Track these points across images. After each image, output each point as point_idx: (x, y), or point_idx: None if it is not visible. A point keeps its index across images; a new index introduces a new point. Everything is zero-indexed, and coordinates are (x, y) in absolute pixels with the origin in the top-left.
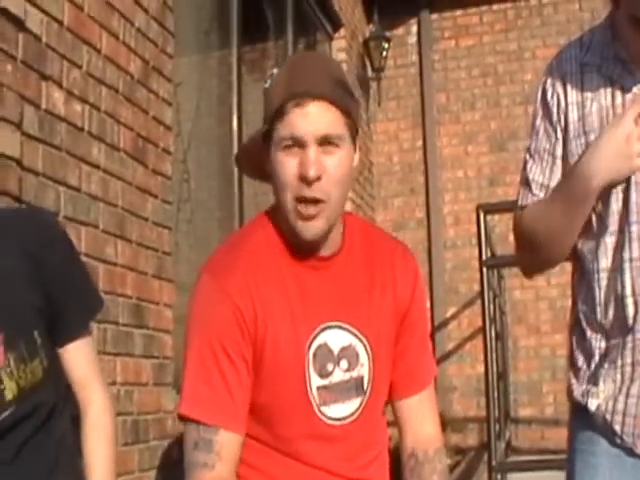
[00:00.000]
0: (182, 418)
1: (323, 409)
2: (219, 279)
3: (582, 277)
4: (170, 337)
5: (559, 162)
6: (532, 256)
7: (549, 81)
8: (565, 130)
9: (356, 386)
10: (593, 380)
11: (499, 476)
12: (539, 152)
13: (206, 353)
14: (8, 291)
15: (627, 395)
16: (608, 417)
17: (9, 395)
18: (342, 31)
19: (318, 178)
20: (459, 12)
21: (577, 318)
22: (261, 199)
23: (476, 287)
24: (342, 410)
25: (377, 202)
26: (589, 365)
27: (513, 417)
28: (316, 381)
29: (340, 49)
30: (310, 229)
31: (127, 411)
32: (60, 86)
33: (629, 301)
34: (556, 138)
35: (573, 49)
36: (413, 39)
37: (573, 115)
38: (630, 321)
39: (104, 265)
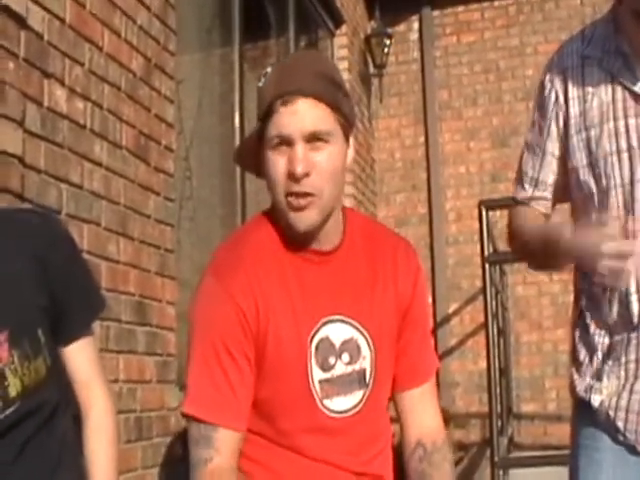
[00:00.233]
0: (185, 416)
1: (326, 402)
2: (222, 280)
3: (585, 273)
4: (173, 334)
5: (549, 158)
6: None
7: (548, 77)
8: (566, 125)
9: (358, 379)
10: (596, 376)
11: (501, 472)
12: (532, 145)
13: (209, 353)
14: (14, 290)
15: (631, 392)
16: (611, 413)
17: (13, 392)
18: (344, 28)
19: (307, 174)
20: (460, 8)
21: (580, 313)
22: (263, 196)
23: (478, 283)
24: (344, 403)
25: (379, 198)
26: (592, 360)
27: (515, 413)
28: (318, 374)
29: (342, 46)
30: (302, 219)
31: (130, 408)
32: (62, 84)
33: (634, 298)
34: (548, 134)
35: (575, 43)
36: (415, 35)
37: (574, 109)
38: (635, 318)
39: (106, 263)
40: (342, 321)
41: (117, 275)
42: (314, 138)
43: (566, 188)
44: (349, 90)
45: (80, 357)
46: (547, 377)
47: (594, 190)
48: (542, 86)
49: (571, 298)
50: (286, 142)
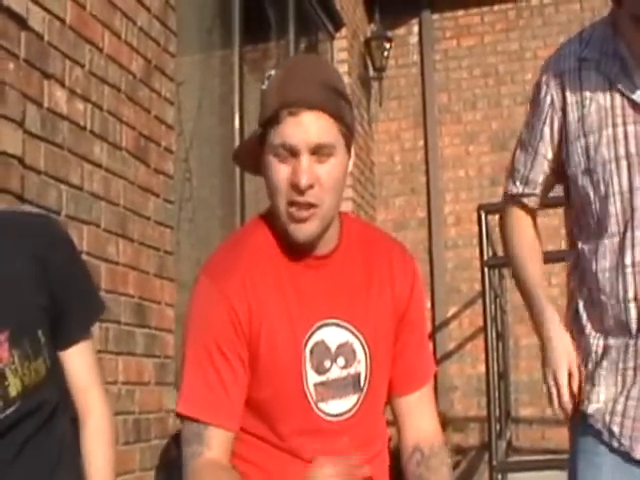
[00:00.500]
0: (179, 415)
1: (321, 405)
2: (216, 281)
3: (582, 276)
4: (172, 336)
5: (540, 159)
6: None
7: (544, 79)
8: (562, 131)
9: (353, 383)
10: (591, 380)
11: (500, 476)
12: (525, 143)
13: (202, 352)
14: (16, 291)
15: (627, 397)
16: (607, 418)
17: (13, 392)
18: (343, 31)
19: (310, 186)
20: (460, 12)
21: (575, 314)
22: (262, 198)
23: (477, 287)
24: (339, 406)
25: (378, 202)
26: (586, 364)
27: (514, 417)
28: (313, 378)
29: (341, 49)
30: (302, 231)
31: (128, 410)
32: (62, 85)
33: (631, 305)
34: (541, 137)
35: (572, 45)
36: (414, 39)
37: (573, 115)
38: (633, 325)
39: (106, 264)
40: (337, 325)
41: (116, 276)
42: (319, 150)
43: (553, 185)
44: (349, 94)
45: (79, 361)
46: None
47: (592, 197)
48: (538, 88)
49: None
50: (290, 152)
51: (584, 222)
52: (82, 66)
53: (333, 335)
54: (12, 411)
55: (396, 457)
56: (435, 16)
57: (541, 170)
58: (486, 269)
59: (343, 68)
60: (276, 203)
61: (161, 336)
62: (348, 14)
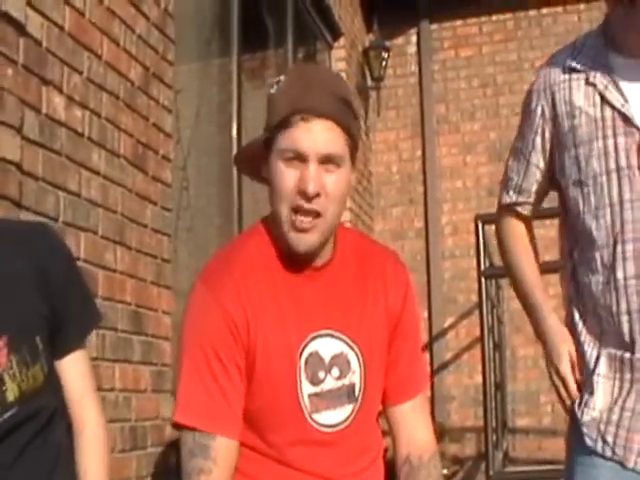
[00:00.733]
0: (177, 426)
1: (315, 416)
2: (212, 289)
3: (577, 287)
4: (169, 344)
5: (533, 169)
6: None
7: (535, 89)
8: (553, 141)
9: (347, 393)
10: (588, 389)
11: None
12: (518, 153)
13: (199, 360)
14: (16, 297)
15: (623, 408)
16: (602, 427)
17: (11, 396)
18: (342, 40)
19: (317, 195)
20: (459, 22)
21: (572, 323)
22: (260, 206)
23: (474, 297)
24: (334, 417)
25: (376, 211)
26: (582, 372)
27: (511, 427)
28: (307, 388)
29: (339, 58)
30: (304, 241)
31: (125, 417)
32: (60, 91)
33: (624, 319)
34: (533, 147)
35: (563, 55)
36: (413, 49)
37: (563, 125)
38: (627, 338)
39: (103, 271)
40: (331, 335)
41: (114, 284)
42: (327, 160)
43: (546, 194)
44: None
45: (74, 370)
46: (542, 391)
47: (582, 208)
48: (529, 97)
49: None
50: (300, 158)
51: (577, 232)
52: (80, 73)
53: (327, 346)
54: (9, 416)
55: (392, 468)
56: (433, 26)
57: (534, 179)
58: (483, 279)
59: None
60: (279, 209)
61: (158, 344)
62: (346, 24)
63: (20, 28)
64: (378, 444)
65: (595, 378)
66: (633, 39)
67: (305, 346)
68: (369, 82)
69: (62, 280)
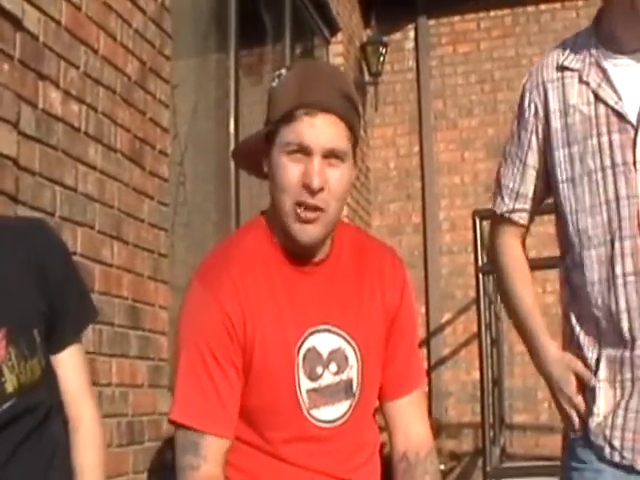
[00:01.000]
0: (173, 423)
1: (313, 412)
2: (209, 286)
3: (572, 289)
4: (165, 339)
5: (530, 171)
6: None
7: (527, 88)
8: (547, 139)
9: (345, 389)
10: (590, 394)
11: None
12: (512, 157)
13: (196, 359)
14: (14, 291)
15: (626, 409)
16: (607, 432)
17: (9, 388)
18: (339, 36)
19: (321, 189)
20: (456, 18)
21: (570, 327)
22: (257, 202)
23: (472, 293)
24: (332, 412)
25: (373, 207)
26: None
27: (508, 423)
28: (306, 384)
29: (337, 54)
30: (307, 232)
31: (122, 412)
32: (57, 86)
33: (624, 316)
34: (528, 147)
35: (555, 53)
36: (410, 44)
37: (555, 124)
38: (627, 336)
39: (100, 266)
40: (329, 331)
41: (110, 279)
42: (331, 155)
43: (543, 199)
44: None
45: (70, 365)
46: (540, 388)
47: (574, 207)
48: (522, 97)
49: None
50: (304, 151)
51: (568, 233)
52: (77, 68)
53: (325, 341)
54: (8, 407)
55: (389, 463)
56: (431, 22)
57: (531, 182)
58: (481, 275)
59: None
60: (282, 202)
61: (155, 338)
62: (344, 19)
63: (17, 23)
64: (375, 440)
65: (597, 384)
66: (627, 37)
67: (303, 342)
68: (366, 78)
69: (59, 276)
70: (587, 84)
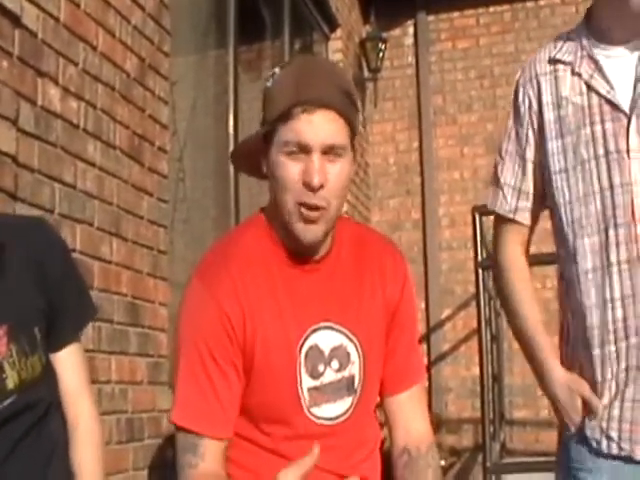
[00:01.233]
0: (173, 423)
1: (313, 410)
2: (209, 285)
3: (567, 285)
4: (165, 336)
5: (530, 165)
6: None
7: (521, 82)
8: (540, 130)
9: (347, 385)
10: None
11: (493, 477)
12: (510, 154)
13: (195, 360)
14: (14, 288)
15: (622, 400)
16: (604, 424)
17: (10, 384)
18: (338, 32)
19: (321, 186)
20: (456, 14)
21: (567, 327)
22: (257, 199)
23: (471, 289)
24: (334, 410)
25: (373, 203)
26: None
27: (508, 419)
28: (307, 382)
29: (336, 50)
30: (311, 232)
31: (122, 409)
32: (56, 83)
33: (618, 304)
34: (526, 141)
35: (548, 48)
36: (410, 40)
37: (549, 115)
38: (620, 324)
39: (99, 263)
40: (330, 328)
41: (110, 276)
42: (330, 151)
43: (544, 196)
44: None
45: (69, 363)
46: None
47: (567, 197)
48: (516, 93)
49: None
50: (303, 150)
51: (561, 224)
52: (76, 64)
53: (326, 338)
54: (9, 403)
55: (388, 458)
56: (430, 18)
57: (532, 178)
58: (480, 271)
59: None
60: (284, 202)
61: (154, 335)
62: (343, 15)
63: (15, 20)
64: (375, 436)
65: (593, 378)
66: (618, 28)
67: (305, 340)
68: (366, 73)
69: (58, 274)
70: (579, 75)
